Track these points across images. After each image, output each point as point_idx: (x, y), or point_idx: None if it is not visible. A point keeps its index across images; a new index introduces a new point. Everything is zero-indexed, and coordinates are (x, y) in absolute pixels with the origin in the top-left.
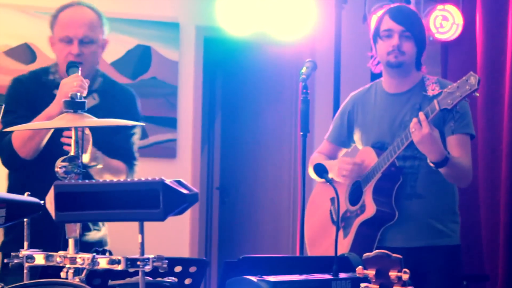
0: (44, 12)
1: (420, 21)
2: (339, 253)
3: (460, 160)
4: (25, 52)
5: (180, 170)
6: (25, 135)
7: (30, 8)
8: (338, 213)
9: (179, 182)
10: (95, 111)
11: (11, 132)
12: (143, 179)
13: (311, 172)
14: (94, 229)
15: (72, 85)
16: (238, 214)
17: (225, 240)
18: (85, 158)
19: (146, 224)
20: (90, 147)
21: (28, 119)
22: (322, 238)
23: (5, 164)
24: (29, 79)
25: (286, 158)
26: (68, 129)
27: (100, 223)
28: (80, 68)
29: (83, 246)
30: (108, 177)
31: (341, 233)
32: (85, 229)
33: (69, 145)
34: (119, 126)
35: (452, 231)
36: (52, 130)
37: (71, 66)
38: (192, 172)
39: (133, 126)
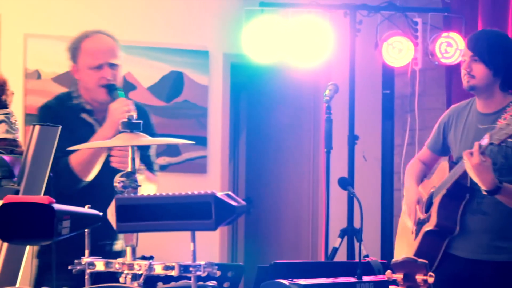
0: None
1: (491, 40)
2: (407, 255)
3: None
4: (70, 78)
5: (210, 184)
6: (83, 160)
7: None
8: (362, 220)
9: (228, 195)
10: None
11: (65, 156)
12: (196, 192)
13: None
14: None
15: (123, 110)
16: (262, 223)
17: (251, 247)
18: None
19: (179, 233)
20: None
21: (62, 142)
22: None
23: (65, 187)
24: (56, 105)
25: (305, 172)
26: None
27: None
28: (123, 91)
29: (110, 254)
30: (145, 185)
31: (413, 235)
32: (114, 238)
33: (118, 162)
34: None
35: None
36: (107, 153)
37: (113, 89)
38: (221, 185)
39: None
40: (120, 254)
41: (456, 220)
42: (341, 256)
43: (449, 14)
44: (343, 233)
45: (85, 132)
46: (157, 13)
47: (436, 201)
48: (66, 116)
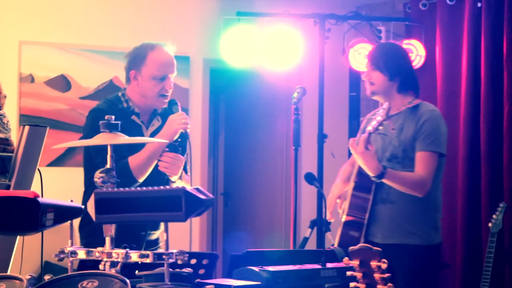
0: (78, 49)
1: (384, 51)
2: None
3: (403, 174)
4: (62, 82)
5: (192, 179)
6: (142, 163)
7: (66, 45)
8: (325, 212)
9: (197, 189)
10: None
11: (125, 158)
12: (168, 187)
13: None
14: (158, 229)
15: (181, 122)
16: (239, 215)
17: (228, 237)
18: (174, 177)
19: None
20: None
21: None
22: None
23: (121, 186)
24: (108, 107)
25: (278, 168)
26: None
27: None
28: (179, 105)
29: (149, 243)
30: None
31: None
32: (153, 228)
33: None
34: None
35: (424, 232)
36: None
37: (174, 103)
38: (201, 180)
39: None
40: (155, 242)
41: (367, 210)
42: (312, 245)
43: (410, 23)
44: (312, 224)
45: (136, 133)
46: (142, 21)
47: (349, 194)
48: (117, 118)
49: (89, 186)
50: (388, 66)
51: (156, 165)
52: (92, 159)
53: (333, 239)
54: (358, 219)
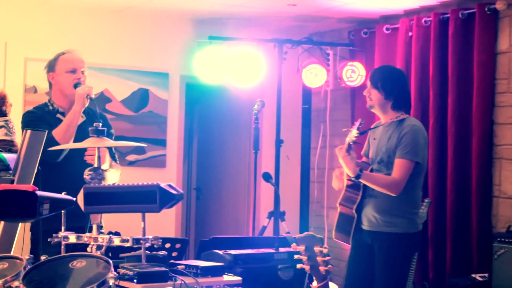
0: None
1: (382, 73)
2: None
3: (377, 176)
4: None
5: (169, 176)
6: (62, 130)
7: None
8: (278, 204)
9: (170, 186)
10: (85, 126)
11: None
12: (145, 183)
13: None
14: None
15: (85, 89)
16: (209, 207)
17: (200, 225)
18: (105, 166)
19: (147, 214)
20: (107, 159)
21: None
22: None
23: (50, 157)
24: (37, 110)
25: (242, 168)
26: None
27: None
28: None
29: None
30: (114, 170)
31: None
32: None
33: (91, 158)
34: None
35: (400, 223)
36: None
37: (77, 84)
38: (177, 177)
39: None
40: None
41: (355, 203)
42: (269, 232)
43: (353, 48)
44: (270, 215)
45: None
46: (129, 43)
47: (344, 189)
48: (45, 117)
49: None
50: (385, 87)
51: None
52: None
53: (287, 228)
54: (348, 212)
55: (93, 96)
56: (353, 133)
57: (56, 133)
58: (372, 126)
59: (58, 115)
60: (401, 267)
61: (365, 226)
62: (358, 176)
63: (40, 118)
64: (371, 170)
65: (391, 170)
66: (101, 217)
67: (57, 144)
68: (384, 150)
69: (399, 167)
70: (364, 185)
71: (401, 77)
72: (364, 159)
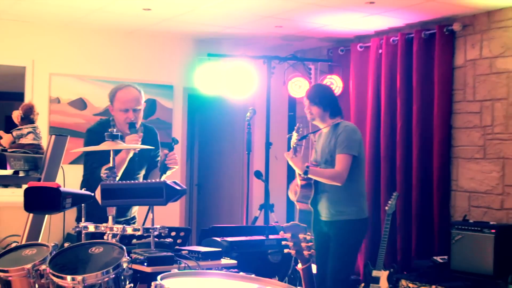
0: (92, 79)
1: (317, 91)
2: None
3: (321, 170)
4: (80, 103)
5: (174, 174)
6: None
7: (83, 76)
8: (268, 198)
9: (175, 182)
10: (142, 141)
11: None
12: (153, 180)
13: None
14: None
15: (133, 141)
16: (208, 201)
17: (201, 216)
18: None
19: (155, 207)
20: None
21: (103, 155)
22: None
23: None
24: (99, 128)
25: (237, 167)
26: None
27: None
28: (136, 127)
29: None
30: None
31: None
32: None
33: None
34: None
35: (351, 211)
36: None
37: (131, 126)
38: (180, 175)
39: (157, 149)
40: (133, 218)
41: (309, 198)
42: (260, 222)
43: (331, 63)
44: (261, 207)
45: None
46: (139, 59)
47: (298, 191)
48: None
49: (85, 179)
50: (322, 102)
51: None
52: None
53: (275, 218)
54: (305, 207)
55: (139, 146)
56: (294, 136)
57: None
58: (310, 131)
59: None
60: (352, 249)
61: (323, 217)
62: (306, 172)
63: (101, 138)
64: None
65: (324, 162)
66: (116, 209)
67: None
68: (327, 151)
69: (339, 161)
70: (315, 183)
71: (331, 92)
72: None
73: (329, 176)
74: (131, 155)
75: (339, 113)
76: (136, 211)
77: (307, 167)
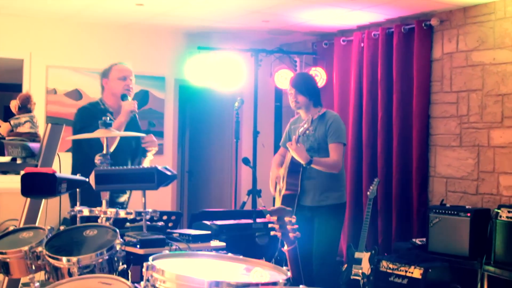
0: (87, 71)
1: (304, 81)
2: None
3: (323, 160)
4: (76, 94)
5: (166, 162)
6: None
7: (79, 69)
8: (256, 184)
9: (165, 168)
10: (126, 127)
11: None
12: (145, 166)
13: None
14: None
15: (132, 105)
16: (198, 186)
17: (191, 201)
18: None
19: (146, 191)
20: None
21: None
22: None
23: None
24: (91, 107)
25: (226, 154)
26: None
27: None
28: (130, 96)
29: (120, 204)
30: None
31: (279, 198)
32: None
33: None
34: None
35: (335, 196)
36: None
37: (125, 96)
38: (172, 162)
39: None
40: (123, 204)
41: (298, 185)
42: (248, 207)
43: (316, 56)
44: (249, 192)
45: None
46: (132, 52)
47: (285, 176)
48: (98, 115)
49: (76, 164)
50: (308, 91)
51: (122, 154)
52: (79, 147)
53: (262, 203)
54: (292, 192)
55: (136, 111)
56: (305, 127)
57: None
58: (289, 128)
59: (108, 114)
60: (336, 232)
61: (307, 203)
62: (309, 163)
63: (94, 115)
64: None
65: (322, 154)
66: (110, 194)
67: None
68: (313, 139)
69: (335, 149)
70: (302, 170)
71: (315, 81)
72: (281, 149)
73: (330, 166)
74: (128, 119)
75: (320, 102)
76: (127, 199)
77: (312, 157)
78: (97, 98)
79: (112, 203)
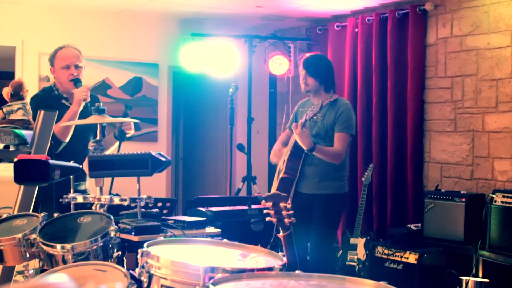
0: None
1: (316, 63)
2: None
3: (326, 149)
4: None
5: (160, 149)
6: (61, 128)
7: None
8: (250, 170)
9: (159, 154)
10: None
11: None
12: (139, 152)
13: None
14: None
15: (82, 93)
16: (193, 172)
17: (186, 188)
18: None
19: (141, 178)
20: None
21: None
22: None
23: (52, 147)
24: (44, 95)
25: (220, 140)
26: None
27: (87, 179)
28: (81, 82)
29: (81, 191)
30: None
31: (277, 180)
32: (81, 179)
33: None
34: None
35: (335, 185)
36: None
37: (77, 81)
38: (166, 149)
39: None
40: (85, 191)
41: (297, 170)
42: (243, 193)
43: (310, 42)
44: (244, 179)
45: (65, 112)
46: (126, 39)
47: (285, 159)
48: (51, 103)
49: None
50: (319, 74)
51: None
52: None
53: (257, 189)
54: (291, 177)
55: (88, 99)
56: (314, 110)
57: (57, 130)
58: (296, 109)
59: (63, 101)
60: (333, 221)
61: (305, 190)
62: (312, 149)
63: (47, 104)
64: None
65: (328, 142)
66: (103, 180)
67: (58, 140)
68: (321, 126)
69: (340, 139)
70: (305, 155)
71: (330, 65)
72: (287, 131)
73: (332, 155)
74: (81, 107)
75: (334, 87)
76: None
77: (315, 144)
78: (52, 83)
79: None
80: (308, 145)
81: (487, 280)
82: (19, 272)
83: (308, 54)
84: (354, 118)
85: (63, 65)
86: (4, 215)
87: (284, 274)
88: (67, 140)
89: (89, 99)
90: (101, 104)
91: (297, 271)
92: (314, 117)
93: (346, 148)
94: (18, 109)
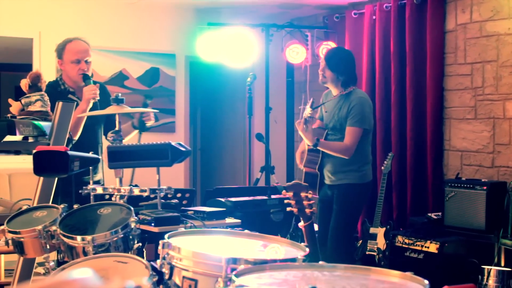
0: (99, 49)
1: (336, 57)
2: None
3: (331, 144)
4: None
5: (178, 139)
6: (71, 125)
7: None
8: (270, 160)
9: (179, 144)
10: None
11: None
12: (159, 142)
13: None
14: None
15: (92, 92)
16: (211, 163)
17: (205, 178)
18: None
19: (160, 168)
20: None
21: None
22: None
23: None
24: (50, 90)
25: (238, 130)
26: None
27: (99, 171)
28: (91, 78)
29: (95, 183)
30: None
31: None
32: (94, 171)
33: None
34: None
35: (353, 176)
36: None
37: (87, 77)
38: (184, 140)
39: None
40: (99, 182)
41: (317, 163)
42: (262, 183)
43: (327, 30)
44: (262, 169)
45: (75, 107)
46: (142, 29)
47: (305, 155)
48: (58, 98)
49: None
50: (337, 67)
51: (91, 132)
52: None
53: (276, 179)
54: (311, 170)
55: (97, 98)
56: (308, 110)
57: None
58: (321, 102)
59: (70, 96)
60: (353, 211)
61: (327, 181)
62: (316, 145)
63: (53, 99)
64: (327, 135)
65: (343, 134)
66: (123, 171)
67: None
68: (336, 119)
69: (350, 134)
70: None
71: (351, 59)
72: (319, 122)
73: (338, 150)
74: (90, 105)
75: (353, 82)
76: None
77: (317, 140)
78: (58, 76)
79: (81, 183)
80: (311, 141)
81: (509, 269)
82: (40, 264)
83: (333, 46)
84: (368, 111)
85: (73, 59)
86: (24, 207)
87: (307, 265)
88: (77, 137)
89: (98, 98)
90: (120, 94)
91: (321, 262)
92: (309, 114)
93: (355, 143)
94: (36, 100)
